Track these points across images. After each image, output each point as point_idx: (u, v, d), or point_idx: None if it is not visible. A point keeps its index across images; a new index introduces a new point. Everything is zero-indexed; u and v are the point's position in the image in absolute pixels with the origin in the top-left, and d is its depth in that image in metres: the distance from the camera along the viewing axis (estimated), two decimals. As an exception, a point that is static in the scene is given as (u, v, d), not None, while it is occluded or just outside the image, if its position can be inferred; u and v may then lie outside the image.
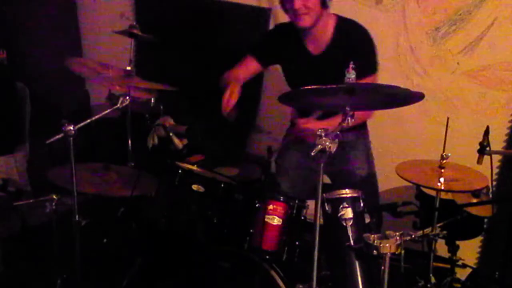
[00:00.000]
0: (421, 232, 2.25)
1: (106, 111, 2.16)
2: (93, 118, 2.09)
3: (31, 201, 2.27)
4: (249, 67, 2.66)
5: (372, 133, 2.84)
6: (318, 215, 1.73)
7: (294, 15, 2.34)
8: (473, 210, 2.45)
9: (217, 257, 2.21)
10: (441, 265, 2.64)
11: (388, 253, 1.74)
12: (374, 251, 1.75)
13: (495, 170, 2.89)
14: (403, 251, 1.83)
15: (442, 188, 2.21)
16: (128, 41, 2.77)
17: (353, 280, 2.02)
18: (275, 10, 3.34)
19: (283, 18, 3.30)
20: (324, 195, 2.08)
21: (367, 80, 2.33)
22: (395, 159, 2.72)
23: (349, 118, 1.73)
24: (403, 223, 2.36)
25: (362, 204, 2.10)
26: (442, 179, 2.20)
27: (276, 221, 2.18)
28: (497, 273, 2.53)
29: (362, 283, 2.01)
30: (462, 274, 2.77)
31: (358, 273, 2.02)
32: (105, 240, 2.61)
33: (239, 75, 2.62)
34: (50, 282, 2.28)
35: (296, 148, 2.68)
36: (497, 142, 2.85)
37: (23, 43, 3.56)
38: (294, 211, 2.21)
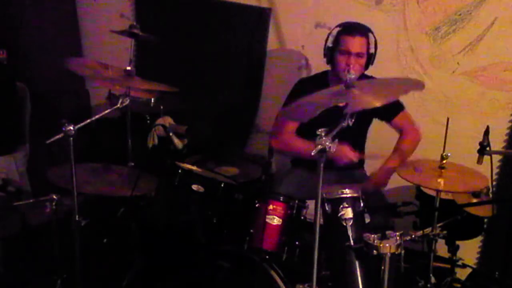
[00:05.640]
0: (421, 232, 2.25)
1: (106, 111, 2.16)
2: (93, 118, 2.09)
3: (31, 201, 2.27)
4: (289, 127, 2.69)
5: (373, 133, 2.84)
6: (318, 215, 1.73)
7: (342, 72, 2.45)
8: (473, 210, 2.45)
9: (217, 257, 2.21)
10: (441, 265, 2.64)
11: (388, 253, 1.74)
12: (374, 251, 1.75)
13: (495, 170, 2.89)
14: (403, 251, 1.83)
15: (442, 188, 2.21)
16: (128, 41, 2.77)
17: (353, 280, 2.02)
18: (275, 10, 3.34)
19: (283, 18, 3.32)
20: (324, 195, 2.08)
21: (400, 116, 2.69)
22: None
23: (349, 118, 1.73)
24: (403, 223, 2.36)
25: (362, 204, 2.10)
26: (442, 179, 2.20)
27: (276, 221, 2.18)
28: (497, 273, 2.53)
29: (362, 283, 2.01)
30: (462, 274, 2.77)
31: (358, 273, 2.02)
32: (105, 240, 2.61)
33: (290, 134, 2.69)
34: (50, 282, 2.27)
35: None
36: (497, 142, 2.85)
37: (23, 43, 3.56)
38: (294, 211, 2.21)
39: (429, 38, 2.99)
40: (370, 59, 2.56)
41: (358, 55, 2.48)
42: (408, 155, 2.63)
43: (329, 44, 2.57)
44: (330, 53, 2.57)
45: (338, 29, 2.56)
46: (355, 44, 2.48)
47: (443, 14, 2.93)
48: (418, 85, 1.83)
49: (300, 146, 2.56)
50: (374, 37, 2.55)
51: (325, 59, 2.61)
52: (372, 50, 2.55)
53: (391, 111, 2.69)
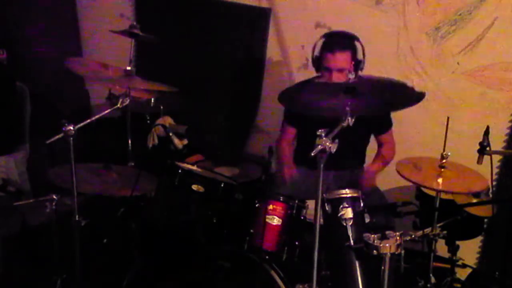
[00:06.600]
0: (421, 232, 2.25)
1: (106, 111, 2.16)
2: (93, 118, 2.09)
3: (31, 201, 2.27)
4: (288, 133, 2.84)
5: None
6: (318, 215, 1.73)
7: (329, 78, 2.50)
8: (473, 210, 2.45)
9: (217, 257, 2.21)
10: (441, 265, 2.64)
11: (388, 253, 1.73)
12: (374, 251, 1.75)
13: (495, 170, 2.89)
14: (403, 251, 1.83)
15: (442, 187, 2.21)
16: (128, 41, 2.77)
17: (353, 280, 2.02)
18: (275, 10, 3.35)
19: (283, 18, 3.32)
20: (324, 195, 2.08)
21: (389, 133, 2.76)
22: (395, 159, 2.73)
23: (349, 118, 1.73)
24: (403, 223, 2.36)
25: (362, 204, 2.10)
26: (441, 179, 2.20)
27: (276, 221, 2.18)
28: (497, 273, 2.53)
29: (362, 283, 2.01)
30: (462, 274, 2.77)
31: (358, 273, 2.02)
32: (105, 240, 2.61)
33: (284, 147, 2.85)
34: (50, 282, 2.27)
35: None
36: (497, 142, 2.85)
37: (23, 43, 3.56)
38: (294, 211, 2.21)
39: (429, 38, 2.99)
40: (359, 65, 2.53)
41: (340, 71, 2.47)
42: (388, 161, 2.74)
43: (316, 54, 2.56)
44: (317, 64, 2.57)
45: (322, 40, 2.55)
46: (335, 61, 2.46)
47: (443, 14, 2.93)
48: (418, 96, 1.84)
49: (282, 160, 2.75)
50: (361, 44, 2.53)
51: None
52: (360, 57, 2.53)
53: (384, 127, 2.76)
